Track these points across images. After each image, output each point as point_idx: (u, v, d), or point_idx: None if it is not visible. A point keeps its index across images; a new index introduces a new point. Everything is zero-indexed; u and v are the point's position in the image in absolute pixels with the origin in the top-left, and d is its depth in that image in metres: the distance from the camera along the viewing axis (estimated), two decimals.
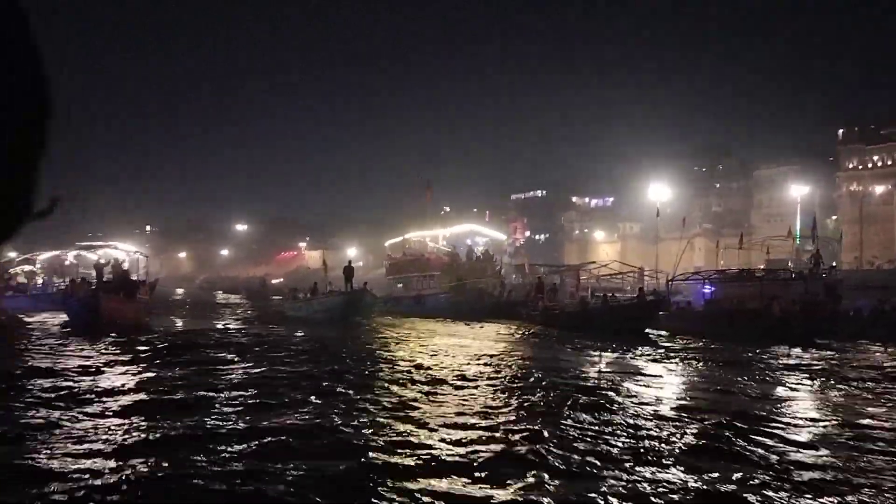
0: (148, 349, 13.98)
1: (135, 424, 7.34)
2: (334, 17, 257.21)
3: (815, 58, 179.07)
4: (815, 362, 15.74)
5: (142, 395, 8.86)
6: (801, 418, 8.65)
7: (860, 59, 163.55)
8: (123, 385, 9.65)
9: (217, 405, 8.42)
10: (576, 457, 6.34)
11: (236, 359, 12.81)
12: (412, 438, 6.93)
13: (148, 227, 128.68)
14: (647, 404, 9.24)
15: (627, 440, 7.12)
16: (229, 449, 6.33)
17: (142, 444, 6.51)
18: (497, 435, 7.18)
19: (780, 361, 15.65)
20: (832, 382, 12.32)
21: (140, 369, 11.18)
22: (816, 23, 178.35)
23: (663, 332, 23.37)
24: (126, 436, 6.83)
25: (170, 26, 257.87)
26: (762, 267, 37.44)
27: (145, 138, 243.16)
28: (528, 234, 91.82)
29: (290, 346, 16.03)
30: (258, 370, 11.52)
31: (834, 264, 34.42)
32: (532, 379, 11.30)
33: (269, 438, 6.75)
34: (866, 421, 8.59)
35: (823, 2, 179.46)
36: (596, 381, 11.43)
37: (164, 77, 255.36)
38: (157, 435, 6.86)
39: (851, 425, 8.17)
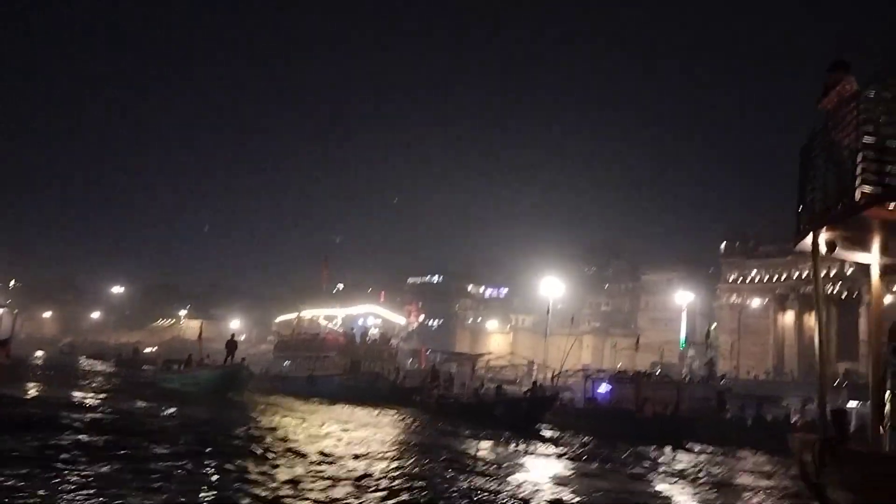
0: None
1: None
2: (223, 66, 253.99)
3: (705, 171, 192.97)
4: (682, 465, 16.04)
5: None
6: None
7: (747, 177, 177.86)
8: None
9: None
10: None
11: (87, 438, 10.82)
12: None
13: (12, 282, 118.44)
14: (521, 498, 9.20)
15: None
16: None
17: None
18: None
19: (646, 461, 15.99)
20: (691, 486, 12.59)
21: None
22: (707, 139, 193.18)
23: (547, 426, 23.58)
24: None
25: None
26: (657, 371, 38.28)
27: (14, 183, 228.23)
28: (422, 318, 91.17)
29: (155, 424, 14.08)
30: (115, 452, 9.71)
31: (724, 373, 35.78)
32: (414, 470, 10.93)
33: None
34: None
35: (713, 117, 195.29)
36: (481, 474, 11.24)
37: (35, 119, 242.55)
38: None
39: None
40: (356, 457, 11.65)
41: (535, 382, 29.97)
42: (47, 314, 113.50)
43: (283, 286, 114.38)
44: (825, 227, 6.56)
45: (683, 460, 17.11)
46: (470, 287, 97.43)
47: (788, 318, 57.56)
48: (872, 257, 6.91)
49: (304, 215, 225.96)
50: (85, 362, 51.11)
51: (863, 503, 5.31)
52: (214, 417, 16.90)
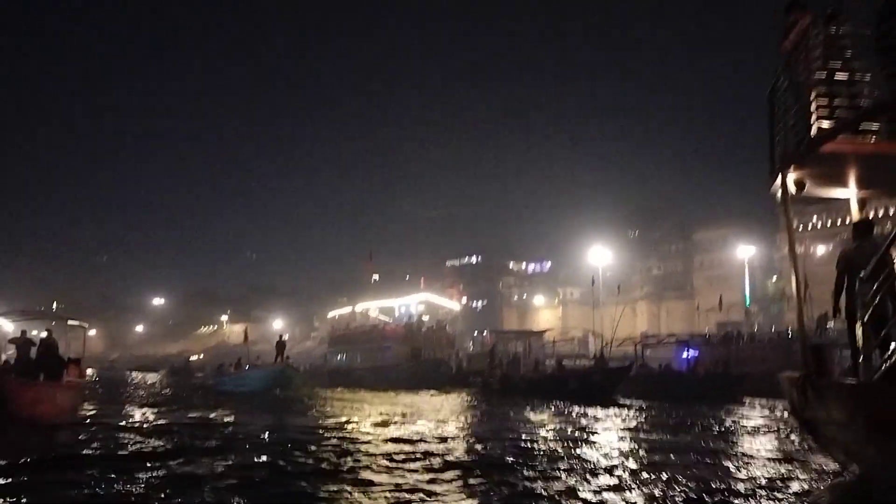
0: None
1: None
2: (259, 66, 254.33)
3: (750, 119, 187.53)
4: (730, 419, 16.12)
5: None
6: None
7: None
8: None
9: None
10: None
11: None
12: None
13: (55, 305, 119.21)
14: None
15: None
16: None
17: None
18: None
19: (701, 417, 15.97)
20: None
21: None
22: (749, 80, 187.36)
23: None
24: None
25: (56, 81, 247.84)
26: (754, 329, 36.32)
27: (48, 204, 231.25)
28: (464, 300, 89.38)
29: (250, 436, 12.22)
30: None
31: (827, 325, 33.75)
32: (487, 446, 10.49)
33: None
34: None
35: (756, 62, 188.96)
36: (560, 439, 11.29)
37: (67, 137, 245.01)
38: None
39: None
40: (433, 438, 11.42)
41: (601, 355, 28.95)
42: (92, 332, 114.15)
43: (320, 283, 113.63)
44: (792, 168, 6.50)
45: (732, 414, 17.59)
46: (511, 264, 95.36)
47: None
48: (850, 192, 6.85)
49: (337, 212, 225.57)
50: (136, 376, 50.82)
51: (846, 433, 5.39)
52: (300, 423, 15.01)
